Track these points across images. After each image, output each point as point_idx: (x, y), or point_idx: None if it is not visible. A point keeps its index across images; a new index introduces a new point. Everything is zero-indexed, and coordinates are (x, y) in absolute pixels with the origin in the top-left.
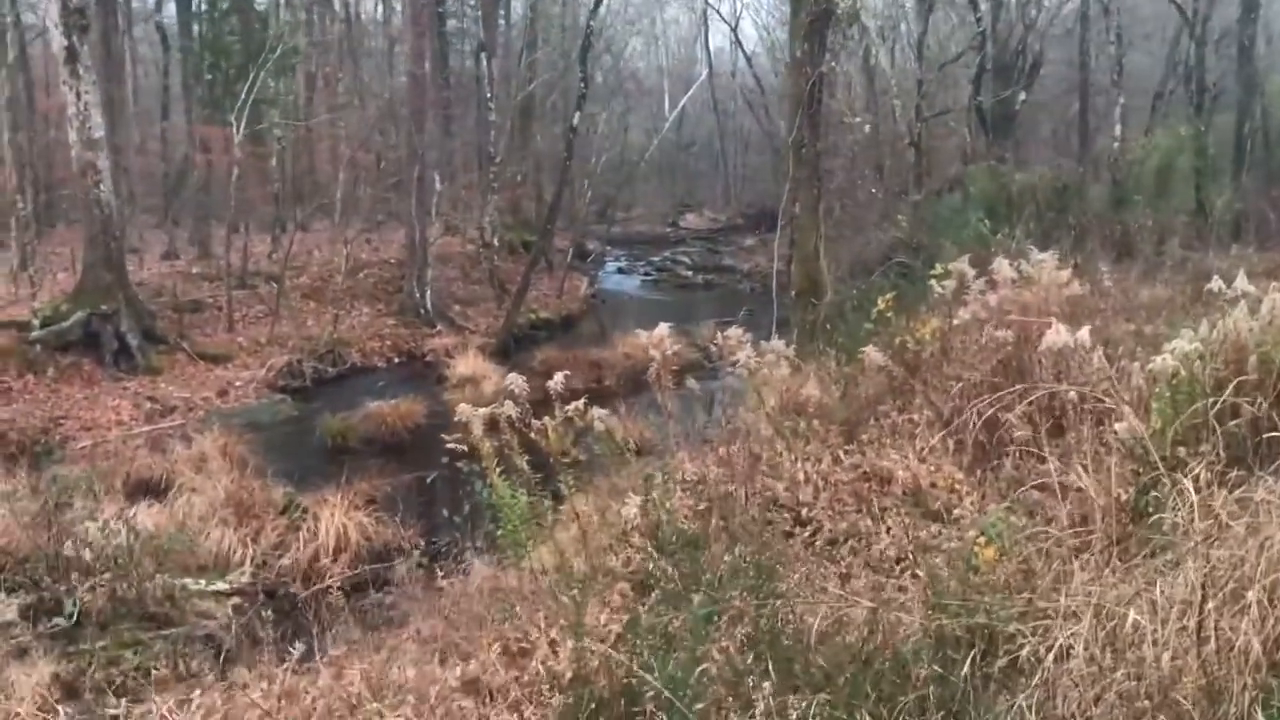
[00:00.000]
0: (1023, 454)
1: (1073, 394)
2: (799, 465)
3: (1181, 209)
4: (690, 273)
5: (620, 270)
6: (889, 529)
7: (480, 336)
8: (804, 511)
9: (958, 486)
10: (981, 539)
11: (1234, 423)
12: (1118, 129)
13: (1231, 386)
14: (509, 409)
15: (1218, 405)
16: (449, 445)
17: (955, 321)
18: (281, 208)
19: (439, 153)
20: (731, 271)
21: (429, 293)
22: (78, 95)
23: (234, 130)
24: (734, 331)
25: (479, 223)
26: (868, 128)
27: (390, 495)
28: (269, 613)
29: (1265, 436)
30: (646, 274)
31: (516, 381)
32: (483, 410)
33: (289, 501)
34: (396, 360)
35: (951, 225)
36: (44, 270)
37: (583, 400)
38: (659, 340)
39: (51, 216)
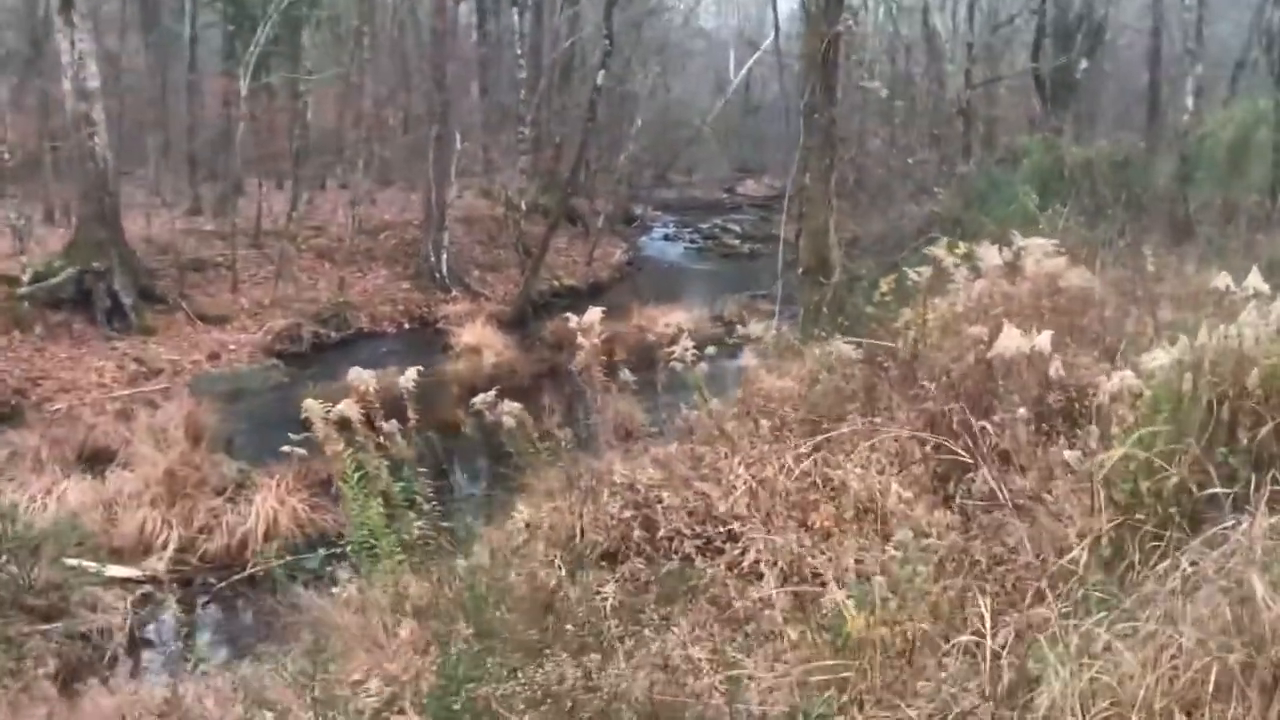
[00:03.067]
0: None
1: (1021, 411)
2: (741, 470)
3: (1255, 188)
4: (737, 241)
5: (665, 237)
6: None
7: (496, 304)
8: (736, 526)
9: (910, 504)
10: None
11: (1223, 450)
12: (1190, 101)
13: (1225, 407)
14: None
15: (1209, 430)
16: None
17: (930, 315)
18: (299, 165)
19: (466, 111)
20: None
21: (446, 256)
22: (72, 44)
23: (241, 82)
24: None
25: (506, 184)
26: (884, 92)
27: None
28: (172, 607)
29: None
30: (691, 241)
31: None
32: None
33: (243, 479)
34: (407, 326)
35: (996, 200)
36: (34, 225)
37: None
38: (588, 326)
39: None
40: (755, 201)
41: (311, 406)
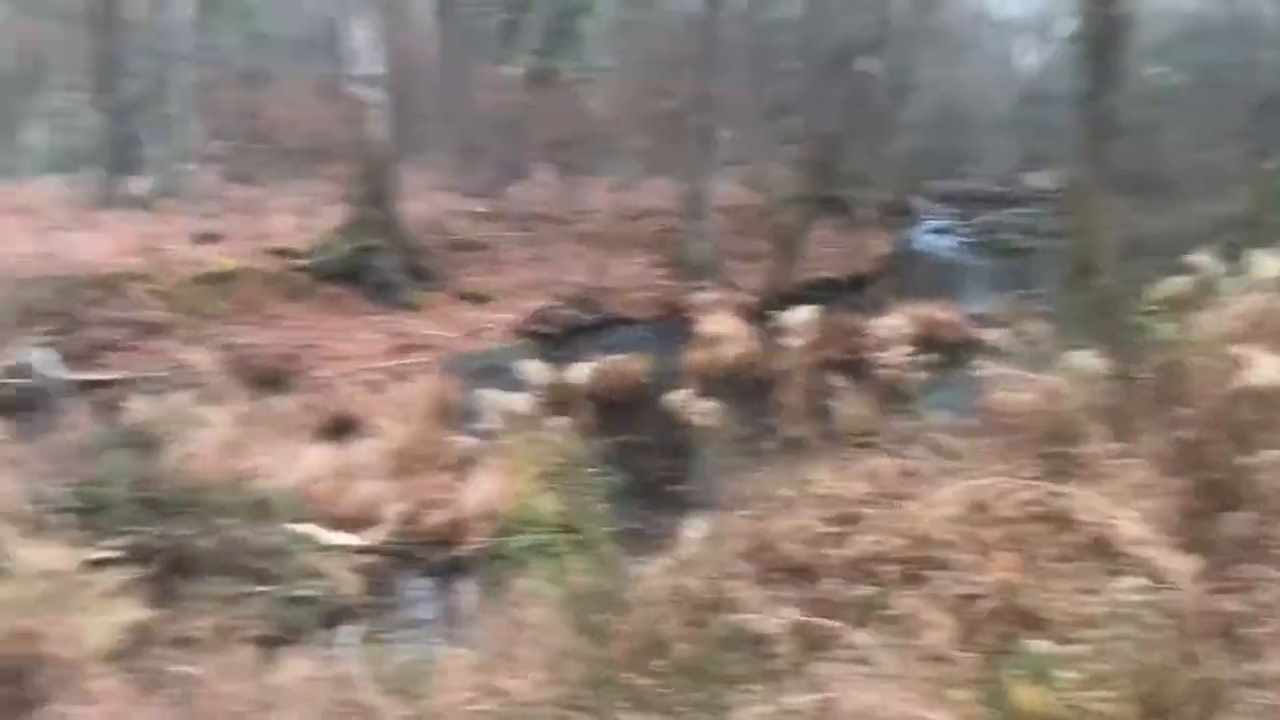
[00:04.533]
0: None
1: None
2: (959, 490)
3: None
4: (1016, 236)
5: (938, 230)
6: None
7: (747, 295)
8: (945, 553)
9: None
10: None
11: None
12: None
13: None
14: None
15: None
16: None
17: (1192, 331)
18: (571, 152)
19: (732, 100)
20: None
21: (702, 246)
22: (357, 32)
23: (517, 70)
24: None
25: (769, 174)
26: (1175, 79)
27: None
28: (389, 577)
29: None
30: (966, 236)
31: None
32: None
33: (473, 456)
34: (657, 314)
35: None
36: (318, 204)
37: (687, 392)
38: (800, 325)
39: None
40: (1042, 195)
41: (484, 396)
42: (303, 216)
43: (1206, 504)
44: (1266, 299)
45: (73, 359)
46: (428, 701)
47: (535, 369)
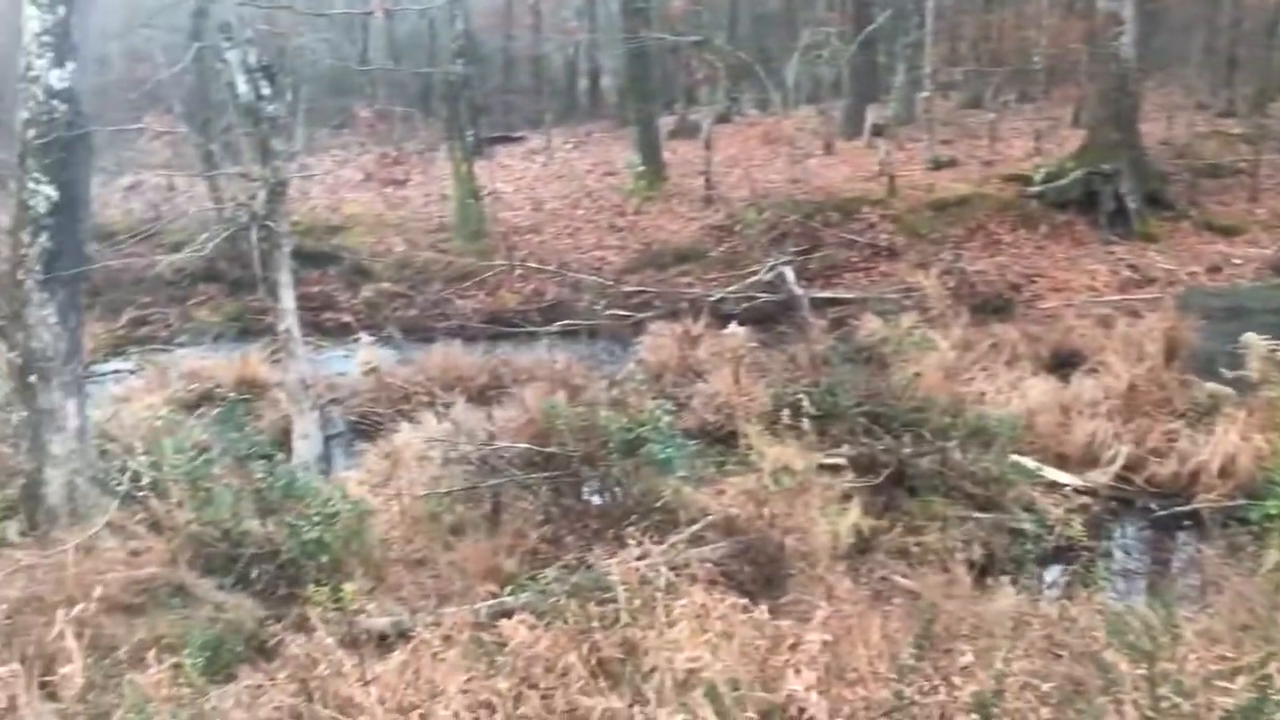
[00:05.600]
0: None
1: None
2: None
3: None
4: None
5: None
6: None
7: None
8: None
9: None
10: None
11: None
12: None
13: None
14: None
15: None
16: None
17: None
18: None
19: None
20: None
21: None
22: None
23: None
24: None
25: None
26: None
27: None
28: (1108, 522)
29: None
30: None
31: None
32: None
33: (1212, 405)
34: None
35: None
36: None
37: None
38: None
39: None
40: None
41: (1251, 341)
42: (1038, 141)
43: None
44: None
45: (812, 277)
46: (1163, 664)
47: None
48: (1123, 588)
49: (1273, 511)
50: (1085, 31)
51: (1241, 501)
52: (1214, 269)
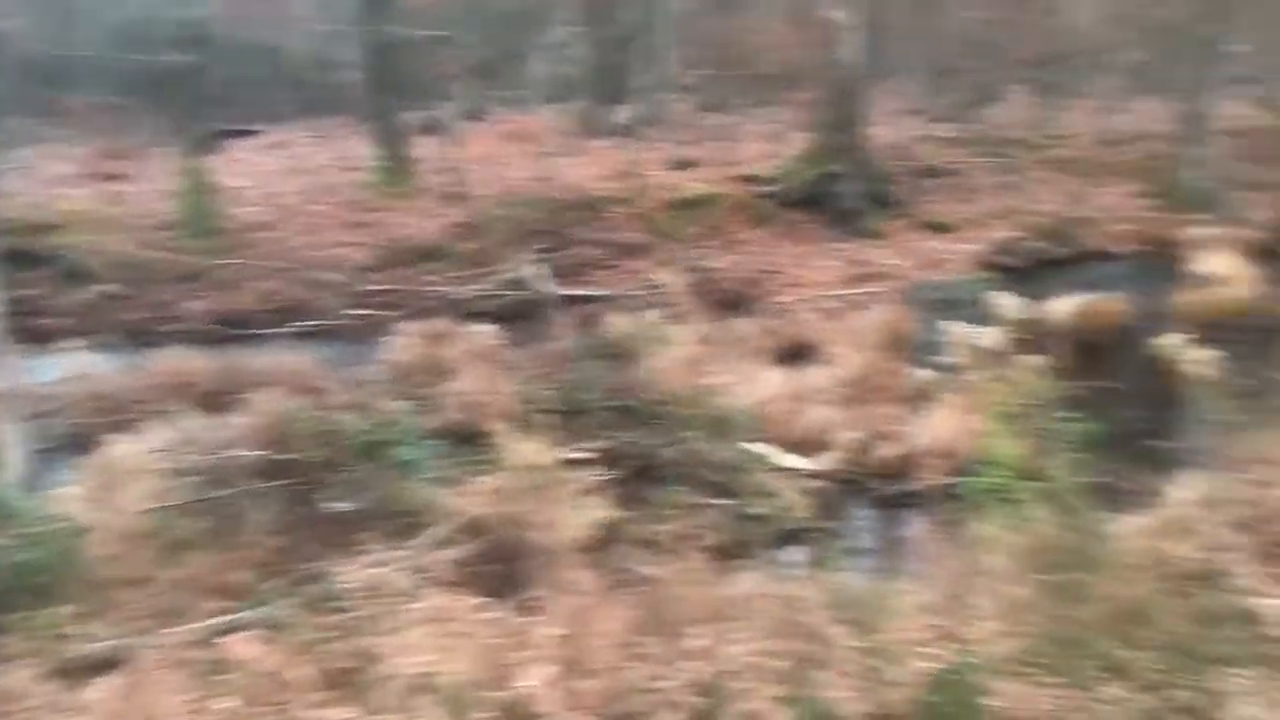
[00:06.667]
0: None
1: None
2: None
3: None
4: None
5: None
6: None
7: (1254, 230)
8: None
9: None
10: None
11: None
12: None
13: None
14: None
15: None
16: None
17: None
18: (1046, 70)
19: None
20: None
21: (1200, 174)
22: None
23: None
24: None
25: None
26: None
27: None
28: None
29: None
30: None
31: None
32: None
33: (927, 390)
34: (1141, 249)
35: None
36: (786, 130)
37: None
38: None
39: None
40: None
41: (954, 330)
42: (771, 143)
43: None
44: None
45: (559, 274)
46: (879, 636)
47: (1007, 302)
48: (850, 565)
49: (982, 488)
50: (812, 39)
51: (956, 479)
52: (933, 264)
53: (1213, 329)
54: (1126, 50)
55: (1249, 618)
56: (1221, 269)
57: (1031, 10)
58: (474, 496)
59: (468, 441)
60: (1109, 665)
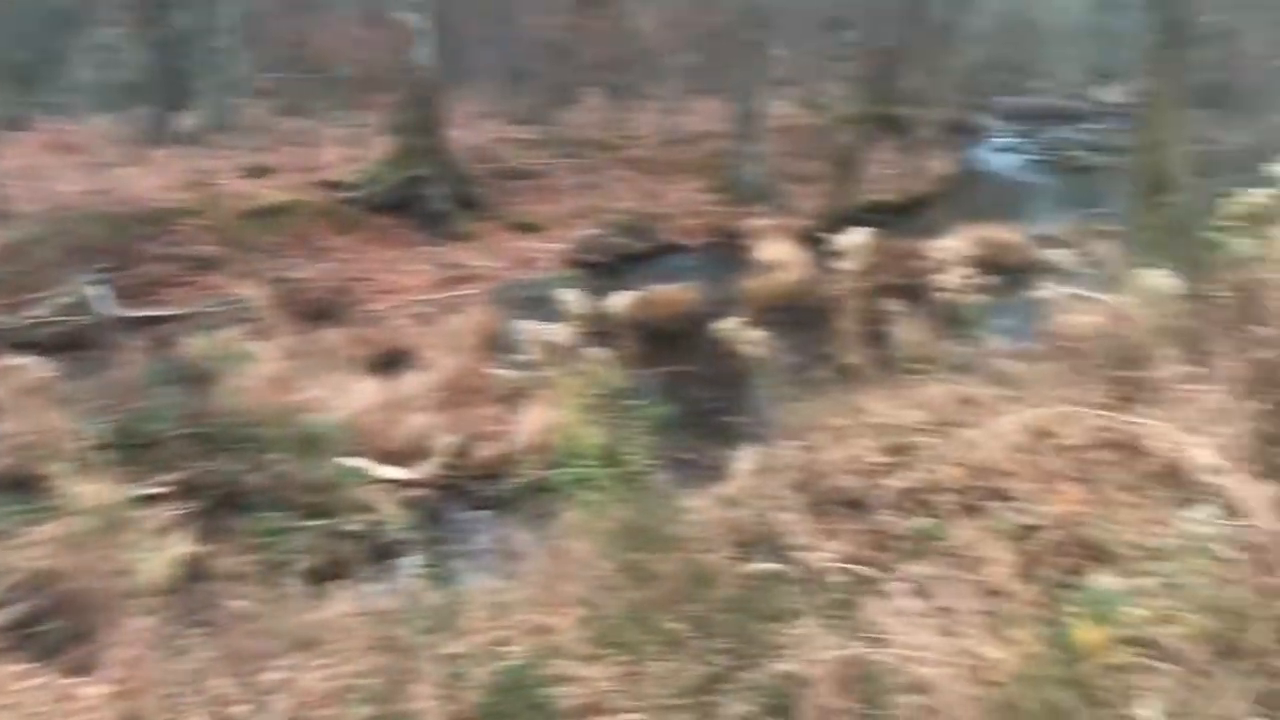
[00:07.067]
0: None
1: None
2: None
3: None
4: (1085, 153)
5: (1003, 148)
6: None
7: (804, 219)
8: (1006, 483)
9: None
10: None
11: None
12: None
13: None
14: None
15: None
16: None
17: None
18: (619, 74)
19: (784, 15)
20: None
21: (756, 169)
22: None
23: None
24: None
25: (826, 93)
26: None
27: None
28: (438, 510)
29: None
30: (1032, 153)
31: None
32: None
33: (523, 387)
34: (711, 240)
35: None
36: (365, 135)
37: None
38: (853, 248)
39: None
40: (1114, 110)
41: (527, 328)
42: (352, 147)
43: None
44: None
45: (126, 295)
46: (469, 639)
47: (573, 299)
48: (449, 572)
49: (569, 479)
50: (388, 42)
51: (549, 473)
52: (523, 263)
53: (770, 311)
54: (685, 54)
55: (805, 573)
56: (778, 255)
57: (600, 16)
58: (29, 549)
59: (21, 488)
60: (670, 639)
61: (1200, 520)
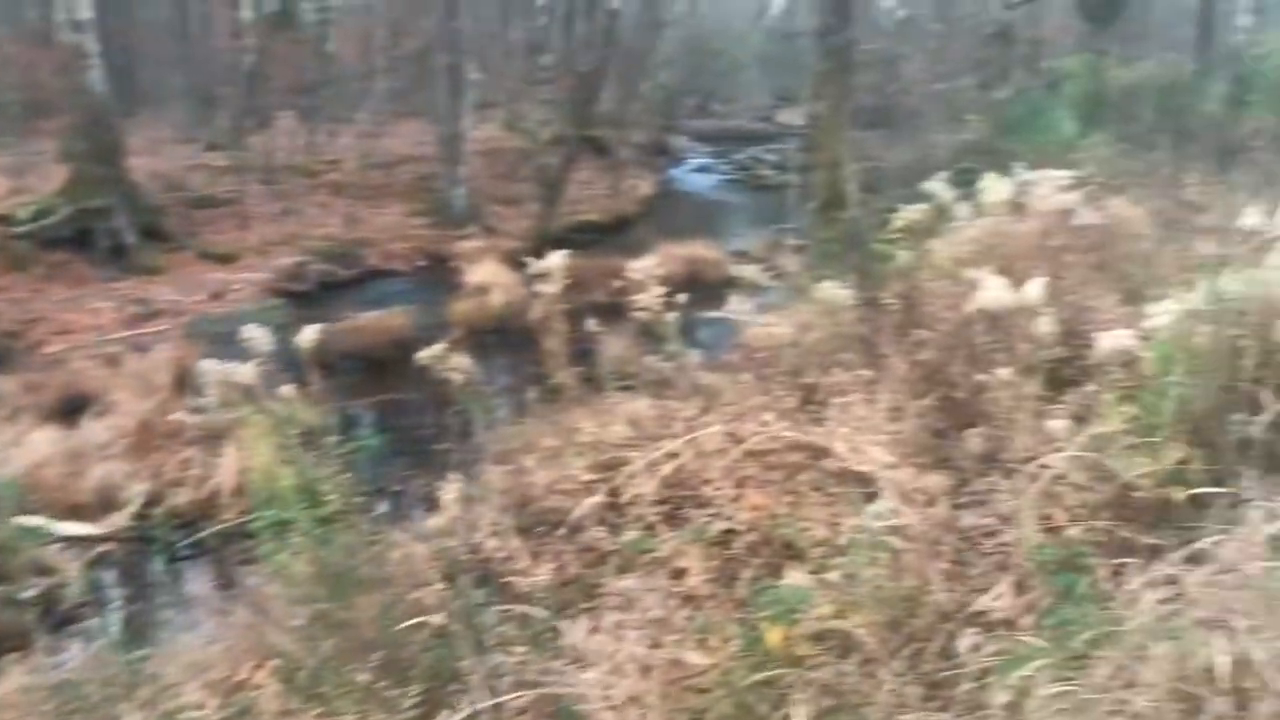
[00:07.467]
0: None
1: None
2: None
3: None
4: (771, 172)
5: (699, 169)
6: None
7: (512, 240)
8: (705, 490)
9: (896, 466)
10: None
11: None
12: (1248, 19)
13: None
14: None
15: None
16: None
17: (929, 257)
18: (315, 97)
19: (483, 39)
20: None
21: (462, 192)
22: None
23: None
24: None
25: (527, 116)
26: (900, 14)
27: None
28: (128, 569)
29: None
30: (725, 173)
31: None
32: None
33: (220, 428)
34: (420, 265)
35: (1034, 127)
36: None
37: (442, 345)
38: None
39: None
40: (795, 131)
41: (205, 368)
42: (18, 178)
43: (949, 423)
44: (995, 222)
45: None
46: (153, 707)
47: (259, 335)
48: (142, 632)
49: (269, 523)
50: (55, 64)
51: (248, 517)
52: (217, 296)
53: (480, 333)
54: (383, 77)
55: (515, 596)
56: (487, 278)
57: (291, 39)
58: None
59: None
60: (363, 689)
61: (875, 514)
